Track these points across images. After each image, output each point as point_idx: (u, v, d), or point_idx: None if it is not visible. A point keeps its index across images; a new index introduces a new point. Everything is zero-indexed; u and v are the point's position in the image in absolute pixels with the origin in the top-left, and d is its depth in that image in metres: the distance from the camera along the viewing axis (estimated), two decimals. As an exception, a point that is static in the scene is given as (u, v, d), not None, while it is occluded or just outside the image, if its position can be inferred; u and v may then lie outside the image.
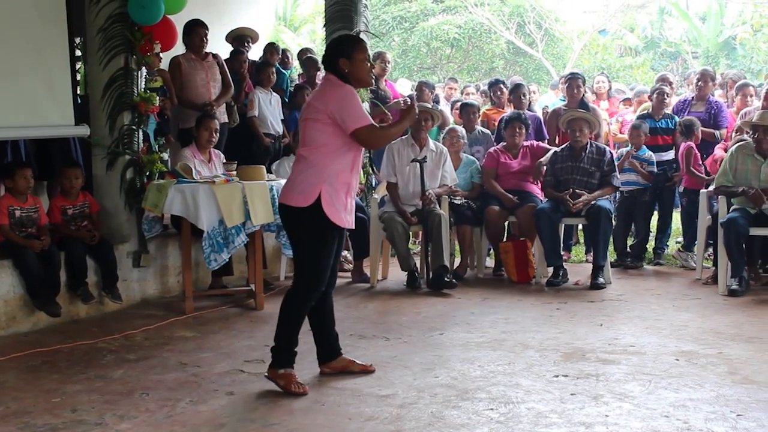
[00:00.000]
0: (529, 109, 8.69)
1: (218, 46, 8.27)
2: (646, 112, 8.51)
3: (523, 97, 8.47)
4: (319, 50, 11.68)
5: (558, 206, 7.25)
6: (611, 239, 7.56)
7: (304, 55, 9.51)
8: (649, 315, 5.96)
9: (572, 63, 22.55)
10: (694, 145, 7.82)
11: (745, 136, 7.24)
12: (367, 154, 8.59)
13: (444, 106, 9.78)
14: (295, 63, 10.05)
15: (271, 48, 8.99)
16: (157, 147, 6.80)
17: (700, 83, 8.47)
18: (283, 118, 8.33)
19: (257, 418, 3.92)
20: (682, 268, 7.86)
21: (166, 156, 7.07)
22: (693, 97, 8.55)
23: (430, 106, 7.95)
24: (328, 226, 4.26)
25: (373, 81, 4.55)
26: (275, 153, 8.13)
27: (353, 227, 4.47)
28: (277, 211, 6.11)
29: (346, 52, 4.35)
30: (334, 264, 4.51)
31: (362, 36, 8.54)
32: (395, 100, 9.20)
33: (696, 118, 8.02)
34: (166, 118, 7.34)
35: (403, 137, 7.58)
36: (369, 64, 4.42)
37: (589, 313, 6.04)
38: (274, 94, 8.29)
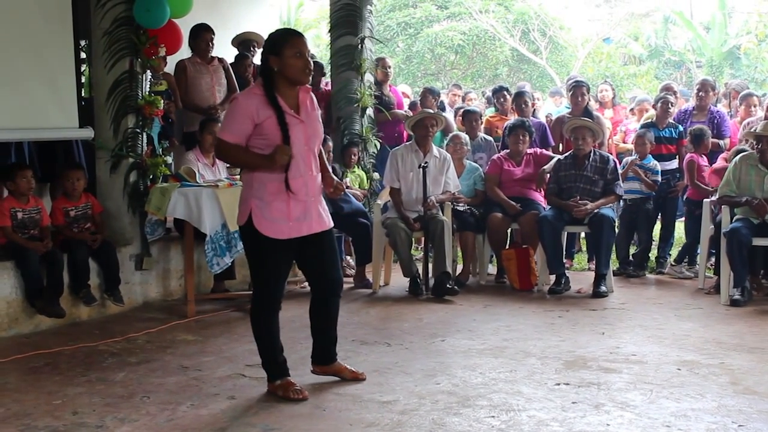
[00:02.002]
0: (533, 116, 8.68)
1: (224, 50, 8.29)
2: (650, 121, 8.50)
3: (524, 105, 8.47)
4: (322, 55, 11.69)
5: (561, 214, 7.24)
6: (614, 248, 7.56)
7: (314, 60, 9.50)
8: (651, 324, 5.95)
9: (576, 71, 22.53)
10: (696, 157, 7.81)
11: (746, 147, 7.24)
12: (371, 160, 8.60)
13: (448, 113, 9.79)
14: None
15: None
16: (161, 150, 6.81)
17: (700, 93, 8.47)
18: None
19: (258, 422, 3.92)
20: (683, 279, 7.85)
21: (169, 159, 7.09)
22: (694, 107, 8.55)
23: (433, 112, 7.95)
24: (265, 242, 4.12)
25: (309, 79, 4.27)
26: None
27: (314, 231, 4.23)
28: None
29: (275, 48, 4.08)
30: (325, 269, 4.37)
31: (366, 42, 8.57)
32: (400, 111, 9.22)
33: (707, 128, 8.01)
34: (170, 122, 7.35)
35: (408, 143, 7.60)
36: (302, 61, 4.07)
37: (591, 322, 6.04)
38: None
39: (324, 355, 4.58)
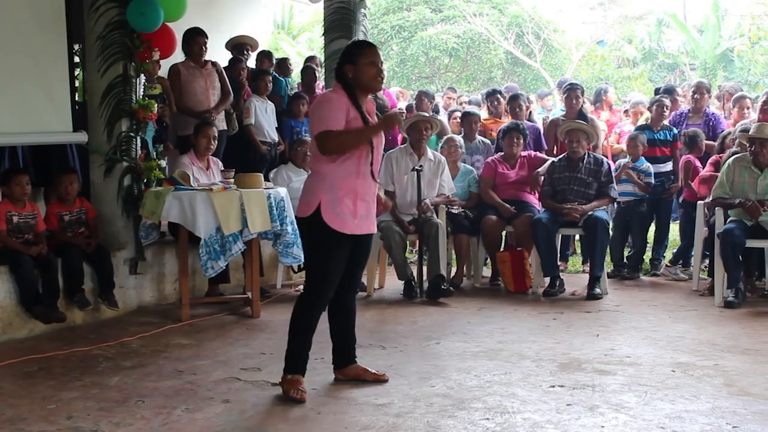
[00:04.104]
0: (529, 120, 8.68)
1: (217, 53, 8.29)
2: (645, 123, 8.52)
3: (518, 109, 8.47)
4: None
5: (555, 216, 7.26)
6: (608, 250, 7.57)
7: (308, 64, 9.53)
8: (646, 326, 5.96)
9: (570, 73, 22.60)
10: (693, 158, 7.83)
11: (736, 148, 7.26)
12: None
13: (442, 116, 9.80)
14: (296, 71, 10.08)
15: (262, 56, 9.01)
16: (155, 154, 6.81)
17: (696, 96, 8.49)
18: (277, 126, 8.34)
19: (253, 426, 3.92)
20: (677, 280, 7.86)
21: (164, 163, 7.08)
22: (689, 110, 8.57)
23: (427, 115, 7.96)
24: (331, 235, 4.25)
25: (381, 86, 4.49)
26: (272, 161, 8.14)
27: (371, 231, 4.46)
28: (275, 219, 6.19)
29: (351, 58, 4.33)
30: (356, 270, 4.53)
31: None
32: (393, 110, 9.22)
33: (701, 130, 8.04)
34: (164, 126, 7.34)
35: (402, 146, 7.60)
36: (375, 70, 4.33)
37: (586, 324, 6.04)
38: (269, 102, 8.29)
39: (343, 357, 4.65)
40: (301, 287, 4.70)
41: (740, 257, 6.70)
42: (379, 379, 4.58)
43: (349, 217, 4.28)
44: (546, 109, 11.89)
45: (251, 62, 9.08)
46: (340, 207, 4.26)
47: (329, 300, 4.42)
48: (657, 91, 9.48)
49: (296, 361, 4.39)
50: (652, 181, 7.90)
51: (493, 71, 24.27)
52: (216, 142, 6.95)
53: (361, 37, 8.62)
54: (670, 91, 9.29)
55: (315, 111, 4.35)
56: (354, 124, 4.23)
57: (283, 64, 9.50)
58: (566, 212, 7.18)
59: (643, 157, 7.97)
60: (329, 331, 4.64)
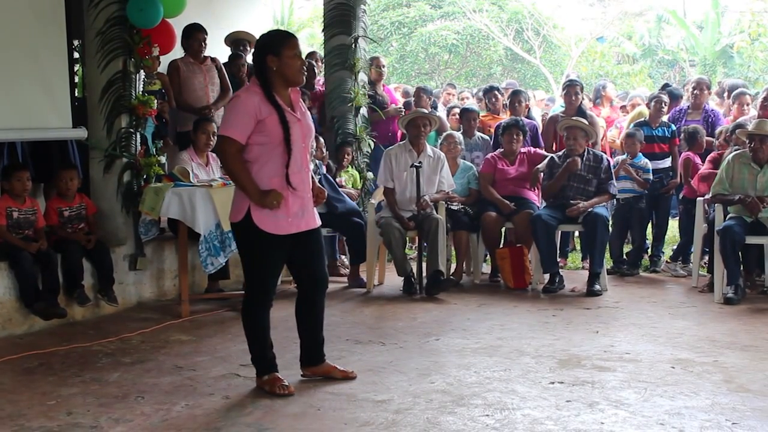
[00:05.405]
0: (527, 117, 8.68)
1: (217, 49, 8.28)
2: (643, 119, 8.51)
3: (518, 105, 8.46)
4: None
5: (555, 213, 7.24)
6: (608, 246, 7.57)
7: (308, 60, 9.51)
8: (645, 322, 5.96)
9: (570, 70, 22.57)
10: (693, 155, 7.83)
11: (734, 146, 7.26)
12: (365, 160, 8.59)
13: (441, 112, 9.79)
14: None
15: None
16: (154, 150, 6.81)
17: (695, 92, 8.48)
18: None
19: (252, 422, 3.92)
20: (677, 276, 7.87)
21: (163, 159, 7.08)
22: (689, 106, 8.57)
23: (426, 111, 7.95)
24: (264, 237, 4.20)
25: (304, 80, 4.38)
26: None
27: (310, 227, 4.35)
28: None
29: (273, 48, 4.20)
30: (313, 266, 4.46)
31: (360, 41, 8.58)
32: (392, 105, 9.22)
33: (701, 127, 8.03)
34: (164, 122, 7.34)
35: (401, 142, 7.60)
36: (300, 62, 4.24)
37: (585, 320, 6.04)
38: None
39: (312, 356, 4.61)
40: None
41: (740, 254, 6.70)
42: (347, 377, 4.55)
43: (281, 216, 4.22)
44: None
45: (251, 58, 9.06)
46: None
47: (272, 297, 4.40)
48: (665, 87, 9.45)
49: (264, 361, 4.40)
50: (651, 177, 7.89)
51: (493, 67, 24.23)
52: (215, 138, 6.94)
53: (360, 33, 8.63)
54: (675, 96, 9.18)
55: (227, 109, 4.32)
56: (268, 121, 4.13)
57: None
58: (569, 167, 7.18)
59: (640, 154, 7.96)
60: (297, 328, 4.59)
